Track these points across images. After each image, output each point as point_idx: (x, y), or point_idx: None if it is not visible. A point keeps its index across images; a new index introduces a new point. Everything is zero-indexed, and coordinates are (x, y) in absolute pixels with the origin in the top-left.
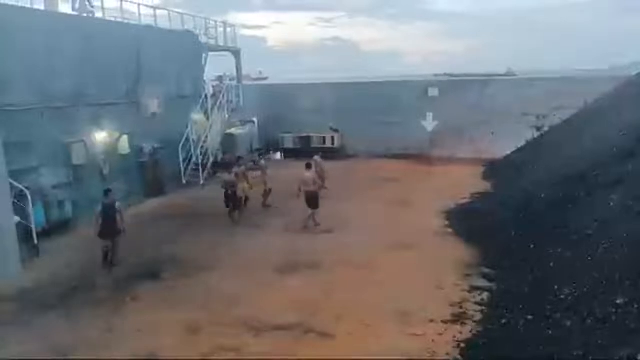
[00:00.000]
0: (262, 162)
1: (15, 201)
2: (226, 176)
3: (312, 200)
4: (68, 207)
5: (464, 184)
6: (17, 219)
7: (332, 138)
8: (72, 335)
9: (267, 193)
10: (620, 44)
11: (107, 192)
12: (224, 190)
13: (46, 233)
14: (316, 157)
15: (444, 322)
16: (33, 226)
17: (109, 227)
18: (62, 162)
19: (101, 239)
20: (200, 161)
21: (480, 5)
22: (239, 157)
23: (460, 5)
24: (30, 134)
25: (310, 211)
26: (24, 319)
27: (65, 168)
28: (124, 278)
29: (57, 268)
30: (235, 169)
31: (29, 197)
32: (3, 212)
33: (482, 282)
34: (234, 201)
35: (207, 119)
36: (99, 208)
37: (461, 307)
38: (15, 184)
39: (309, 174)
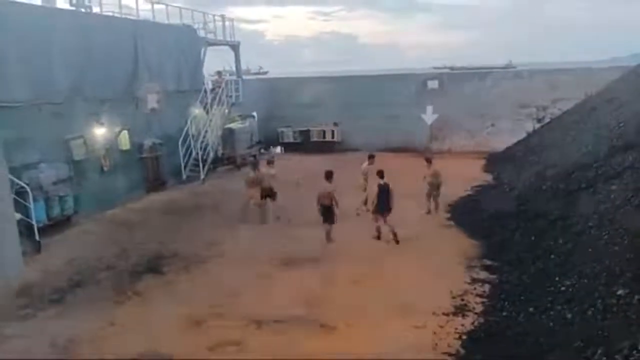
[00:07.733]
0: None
1: (16, 197)
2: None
3: (328, 215)
4: (69, 203)
5: (465, 176)
6: (18, 215)
7: (332, 132)
8: (73, 330)
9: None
10: (621, 36)
11: (381, 174)
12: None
13: (47, 229)
14: (364, 165)
15: (446, 314)
16: (34, 222)
17: (387, 205)
18: (63, 158)
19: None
20: (200, 156)
21: None
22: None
23: None
24: (30, 130)
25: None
26: (26, 314)
27: (65, 164)
28: (125, 273)
29: (58, 264)
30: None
31: (30, 194)
32: (4, 209)
33: (484, 274)
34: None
35: (207, 113)
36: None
37: (463, 299)
38: (16, 180)
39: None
